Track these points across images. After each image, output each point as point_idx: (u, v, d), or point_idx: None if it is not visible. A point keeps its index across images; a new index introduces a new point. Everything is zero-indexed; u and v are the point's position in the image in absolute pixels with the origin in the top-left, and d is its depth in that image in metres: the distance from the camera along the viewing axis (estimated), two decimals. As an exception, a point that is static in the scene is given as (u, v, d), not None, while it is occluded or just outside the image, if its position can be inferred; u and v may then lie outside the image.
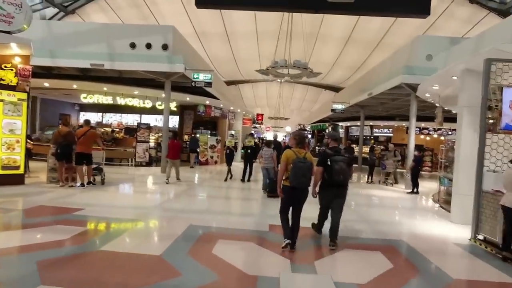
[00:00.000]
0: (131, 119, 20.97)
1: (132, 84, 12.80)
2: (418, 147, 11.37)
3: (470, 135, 6.19)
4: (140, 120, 20.14)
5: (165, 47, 10.84)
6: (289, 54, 14.28)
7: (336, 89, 30.43)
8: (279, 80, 33.95)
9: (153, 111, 17.07)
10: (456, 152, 6.52)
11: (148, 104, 14.21)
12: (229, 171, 10.47)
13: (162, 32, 11.01)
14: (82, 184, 7.68)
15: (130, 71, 11.62)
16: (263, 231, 5.06)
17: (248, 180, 10.31)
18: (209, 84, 10.82)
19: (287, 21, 14.93)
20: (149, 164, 13.48)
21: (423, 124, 21.34)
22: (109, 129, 16.78)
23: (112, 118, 21.65)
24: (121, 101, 13.38)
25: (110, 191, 7.77)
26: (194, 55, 12.77)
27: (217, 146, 16.48)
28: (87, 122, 8.05)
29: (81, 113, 22.09)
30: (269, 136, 57.36)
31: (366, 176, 12.81)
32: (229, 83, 31.98)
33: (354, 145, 25.97)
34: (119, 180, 9.43)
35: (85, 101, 13.40)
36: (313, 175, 4.26)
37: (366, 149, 22.50)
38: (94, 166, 8.38)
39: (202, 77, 10.74)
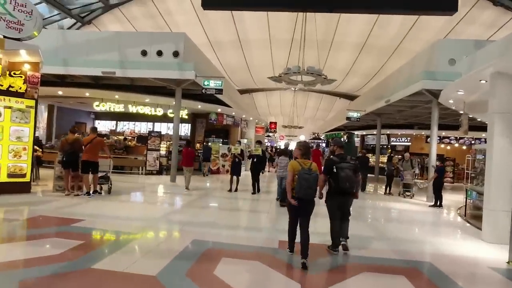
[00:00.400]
0: (144, 127, 21.07)
1: (144, 92, 12.74)
2: (440, 157, 10.63)
3: (503, 144, 5.59)
4: (153, 128, 20.20)
5: (176, 54, 10.73)
6: (302, 61, 13.95)
7: (351, 97, 29.79)
8: (293, 88, 33.64)
9: (165, 119, 17.04)
10: (488, 163, 5.90)
11: (159, 112, 14.14)
12: (237, 181, 9.77)
13: (173, 40, 10.91)
14: (88, 193, 7.46)
15: (141, 78, 11.58)
16: (272, 248, 4.62)
17: (258, 191, 9.67)
18: (220, 91, 10.58)
19: (300, 29, 14.65)
20: (159, 172, 13.29)
21: (443, 133, 20.41)
22: (121, 137, 16.78)
23: (126, 126, 21.83)
24: (132, 109, 13.34)
25: (116, 200, 7.52)
26: (205, 62, 12.63)
27: (229, 155, 16.17)
28: (93, 129, 7.88)
29: (96, 121, 22.40)
30: (283, 145, 56.95)
31: (384, 188, 12.13)
32: (242, 91, 31.90)
33: (369, 155, 25.20)
34: (127, 189, 9.20)
35: (97, 109, 13.44)
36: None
37: (384, 159, 21.73)
38: (101, 174, 8.21)
39: (213, 84, 10.51)
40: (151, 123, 20.41)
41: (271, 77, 13.33)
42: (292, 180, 4.10)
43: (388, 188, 11.80)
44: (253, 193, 9.53)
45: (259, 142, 10.51)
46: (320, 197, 4.47)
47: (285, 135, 57.64)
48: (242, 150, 10.07)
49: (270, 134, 44.71)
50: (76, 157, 7.37)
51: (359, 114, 16.05)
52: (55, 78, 11.99)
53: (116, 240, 4.67)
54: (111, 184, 8.28)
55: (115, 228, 5.23)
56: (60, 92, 12.51)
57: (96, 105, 13.31)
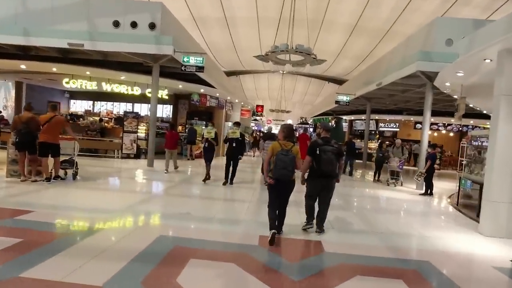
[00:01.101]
0: (123, 108, 19.88)
1: (118, 69, 11.67)
2: (430, 144, 10.13)
3: (509, 130, 5.07)
4: (132, 109, 19.08)
5: (152, 26, 9.68)
6: (291, 42, 13.09)
7: (339, 81, 29.17)
8: (281, 72, 32.80)
9: (145, 99, 15.97)
10: (490, 150, 5.40)
11: (137, 91, 13.11)
12: (207, 169, 8.28)
13: (150, 10, 9.82)
14: (48, 179, 6.62)
15: (115, 53, 10.52)
16: (251, 246, 4.00)
17: (231, 183, 8.10)
18: (201, 68, 9.68)
19: (290, 6, 13.68)
20: (137, 156, 12.43)
21: (432, 119, 20.17)
22: (97, 118, 15.67)
23: (103, 107, 20.57)
24: (107, 87, 12.25)
25: (80, 188, 6.71)
26: (186, 37, 11.57)
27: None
28: (53, 107, 6.93)
29: (72, 101, 21.05)
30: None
31: (373, 174, 11.70)
32: (229, 73, 30.70)
33: (357, 140, 24.89)
34: (97, 175, 8.38)
35: (67, 86, 12.29)
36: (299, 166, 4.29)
37: (372, 145, 21.40)
38: (65, 158, 7.35)
39: (193, 60, 9.59)
40: (131, 104, 19.25)
41: (257, 56, 12.45)
42: (268, 159, 4.20)
43: (377, 175, 11.38)
44: (224, 183, 7.98)
45: (237, 124, 8.92)
46: (302, 183, 4.61)
47: (272, 119, 57.02)
48: (216, 134, 8.54)
49: (258, 118, 43.96)
50: (32, 138, 6.47)
51: (348, 98, 15.46)
52: (16, 50, 10.75)
53: (64, 237, 3.93)
54: (76, 169, 7.46)
55: (68, 222, 4.49)
56: (23, 66, 11.29)
57: (66, 82, 12.15)
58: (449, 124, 21.13)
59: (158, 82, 10.73)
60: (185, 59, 9.58)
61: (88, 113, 18.18)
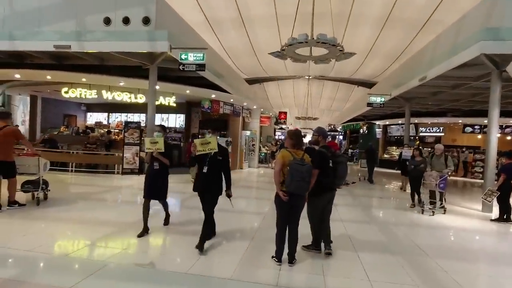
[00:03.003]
0: (137, 119, 18.93)
1: (116, 74, 10.46)
2: (507, 152, 7.16)
3: None
4: (146, 120, 18.02)
5: (146, 21, 8.29)
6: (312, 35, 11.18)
7: (370, 85, 26.66)
8: (307, 77, 30.90)
9: (160, 109, 14.90)
10: None
11: (141, 98, 11.86)
12: (165, 211, 5.07)
13: (143, 2, 8.48)
14: (-1, 206, 5.23)
15: (110, 57, 9.36)
16: None
17: (200, 249, 3.97)
18: (201, 66, 8.11)
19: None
20: (141, 171, 11.04)
21: (485, 121, 17.21)
22: (104, 130, 14.66)
23: (118, 118, 19.78)
24: (107, 95, 11.09)
25: (37, 217, 5.22)
26: (187, 32, 10.02)
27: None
28: (4, 115, 5.58)
29: (88, 114, 20.56)
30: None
31: (410, 194, 8.01)
32: (252, 81, 29.31)
33: (393, 147, 22.19)
34: (76, 197, 6.95)
35: (66, 96, 11.28)
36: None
37: (394, 152, 18.52)
38: (30, 178, 6.00)
39: (192, 57, 8.04)
40: (144, 114, 18.22)
41: (273, 53, 10.74)
42: (280, 170, 3.69)
43: (416, 197, 7.91)
44: (198, 247, 3.97)
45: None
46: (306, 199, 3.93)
47: (300, 128, 54.93)
48: (168, 143, 4.86)
49: (283, 126, 42.18)
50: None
51: (383, 99, 13.24)
52: (11, 59, 9.92)
53: None
54: (46, 191, 6.07)
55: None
56: (17, 76, 10.41)
57: (65, 92, 11.15)
58: (507, 126, 17.94)
59: (156, 86, 9.33)
60: (183, 56, 8.06)
61: (98, 125, 17.34)
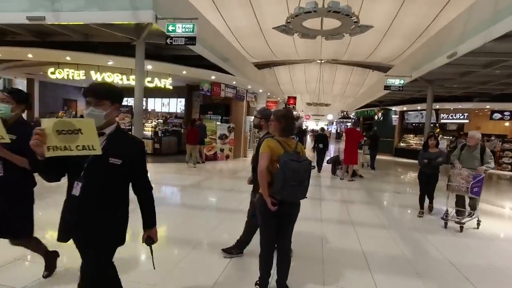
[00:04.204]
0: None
1: (103, 52, 9.47)
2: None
3: None
4: (146, 105, 17.15)
5: (130, -14, 7.20)
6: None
7: (386, 69, 24.93)
8: (319, 61, 29.28)
9: (160, 93, 13.97)
10: None
11: (134, 81, 10.84)
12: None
13: (126, -35, 7.35)
14: None
15: (96, 33, 8.45)
16: None
17: None
18: (191, 40, 7.00)
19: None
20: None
21: (499, 106, 15.55)
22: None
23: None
24: (96, 76, 10.15)
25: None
26: (181, 2, 8.84)
27: (229, 136, 12.81)
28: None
29: (89, 99, 19.83)
30: (311, 125, 52.51)
31: (419, 199, 6.05)
32: (261, 65, 27.96)
33: (411, 135, 20.67)
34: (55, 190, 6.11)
35: (53, 77, 10.41)
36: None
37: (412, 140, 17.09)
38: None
39: (180, 29, 6.93)
40: (151, 99, 17.36)
41: (277, 27, 9.50)
42: (266, 168, 2.49)
43: (424, 202, 6.02)
44: None
45: (95, 100, 1.84)
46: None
47: (311, 115, 53.14)
48: (26, 124, 2.61)
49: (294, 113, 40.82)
50: None
51: (403, 81, 11.82)
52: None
53: None
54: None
55: None
56: (-3, 54, 9.57)
57: (51, 72, 10.27)
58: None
59: (145, 65, 8.30)
60: (170, 28, 6.94)
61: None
